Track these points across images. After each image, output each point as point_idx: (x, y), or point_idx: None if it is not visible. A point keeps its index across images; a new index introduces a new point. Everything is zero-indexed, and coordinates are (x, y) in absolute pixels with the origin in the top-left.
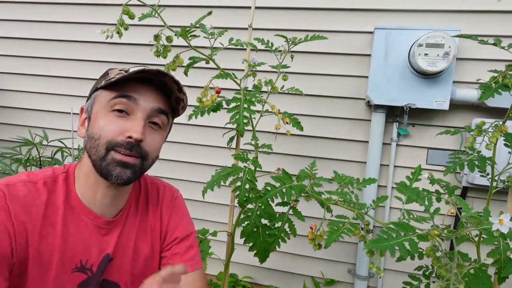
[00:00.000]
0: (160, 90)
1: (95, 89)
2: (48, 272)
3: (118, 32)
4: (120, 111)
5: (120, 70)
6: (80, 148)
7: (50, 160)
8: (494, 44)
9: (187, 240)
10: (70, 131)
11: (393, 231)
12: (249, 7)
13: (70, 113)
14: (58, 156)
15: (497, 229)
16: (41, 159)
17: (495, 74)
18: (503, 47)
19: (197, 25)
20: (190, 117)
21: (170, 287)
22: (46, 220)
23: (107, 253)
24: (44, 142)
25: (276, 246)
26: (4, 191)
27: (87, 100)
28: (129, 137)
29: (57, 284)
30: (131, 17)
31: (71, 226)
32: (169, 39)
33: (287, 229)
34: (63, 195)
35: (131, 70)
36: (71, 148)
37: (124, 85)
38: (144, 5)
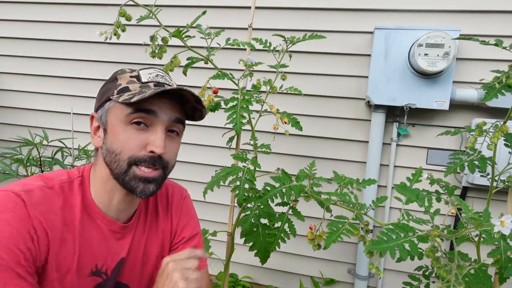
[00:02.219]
0: (176, 99)
1: (107, 99)
2: (66, 276)
3: (115, 34)
4: (138, 123)
5: (131, 77)
6: (80, 148)
7: (50, 160)
8: (496, 45)
9: (193, 240)
10: (70, 131)
11: (393, 232)
12: (248, 7)
13: (70, 113)
14: (58, 156)
15: (499, 231)
16: (41, 159)
17: (497, 74)
18: (504, 48)
19: (194, 25)
20: None
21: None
22: (65, 226)
23: (122, 257)
24: (44, 142)
25: (276, 246)
26: (24, 198)
27: (98, 107)
28: (151, 151)
29: (73, 287)
30: (128, 19)
31: (87, 231)
32: (164, 40)
33: (287, 229)
34: (80, 201)
35: (143, 76)
36: (71, 148)
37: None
38: (137, 5)
